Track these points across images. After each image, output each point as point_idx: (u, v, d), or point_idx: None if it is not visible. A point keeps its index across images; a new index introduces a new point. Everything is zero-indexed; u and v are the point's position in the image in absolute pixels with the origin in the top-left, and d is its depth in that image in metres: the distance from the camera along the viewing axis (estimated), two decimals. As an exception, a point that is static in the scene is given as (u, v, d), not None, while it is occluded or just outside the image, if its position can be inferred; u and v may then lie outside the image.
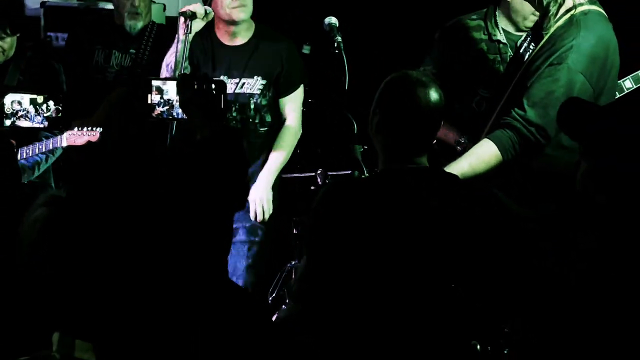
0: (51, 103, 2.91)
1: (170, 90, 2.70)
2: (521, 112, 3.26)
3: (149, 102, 2.66)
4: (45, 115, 2.90)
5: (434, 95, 2.62)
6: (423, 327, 2.34)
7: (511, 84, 3.39)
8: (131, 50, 4.57)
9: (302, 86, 4.39)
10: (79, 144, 3.81)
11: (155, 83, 2.70)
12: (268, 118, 4.32)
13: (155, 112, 2.68)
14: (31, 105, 2.91)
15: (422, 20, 4.86)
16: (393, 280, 2.35)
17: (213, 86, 2.58)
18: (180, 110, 2.65)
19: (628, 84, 4.23)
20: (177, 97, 2.65)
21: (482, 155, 3.23)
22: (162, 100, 2.70)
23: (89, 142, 2.89)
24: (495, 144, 3.24)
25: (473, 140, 3.43)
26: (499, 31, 3.57)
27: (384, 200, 2.46)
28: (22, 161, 4.05)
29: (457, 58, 3.63)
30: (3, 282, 2.08)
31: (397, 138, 2.58)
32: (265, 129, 4.31)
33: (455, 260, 2.44)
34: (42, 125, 2.91)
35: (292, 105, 4.36)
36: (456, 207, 2.49)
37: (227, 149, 2.26)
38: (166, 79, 2.80)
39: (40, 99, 2.92)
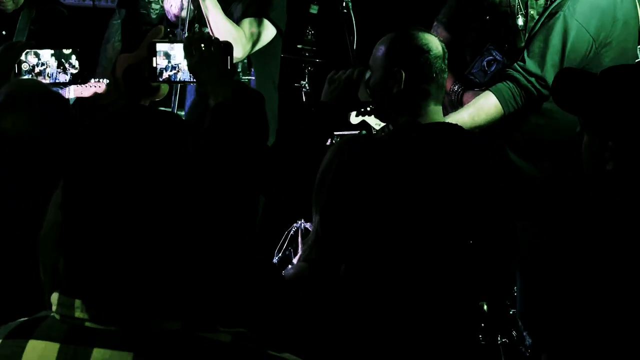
0: (74, 57, 2.78)
1: (178, 54, 2.64)
2: (521, 62, 3.24)
3: (154, 65, 2.61)
4: (71, 71, 2.75)
5: (435, 39, 2.63)
6: (436, 288, 2.34)
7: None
8: None
9: (267, 23, 3.68)
10: (86, 95, 3.65)
11: (161, 47, 2.63)
12: (247, 67, 4.15)
13: (163, 77, 2.63)
14: (53, 59, 2.76)
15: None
16: (410, 237, 2.33)
17: (220, 47, 2.54)
18: (187, 74, 2.61)
19: None
20: (184, 61, 2.60)
21: (483, 106, 3.21)
22: (169, 65, 2.65)
23: (95, 93, 2.78)
24: (496, 96, 3.22)
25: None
26: None
27: (400, 158, 2.42)
28: None
29: (470, 12, 3.60)
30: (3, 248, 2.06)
31: (420, 89, 2.58)
32: (247, 78, 4.15)
33: (471, 220, 2.43)
34: (65, 81, 2.78)
35: (247, 31, 3.69)
36: (471, 164, 2.48)
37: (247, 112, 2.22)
38: (173, 41, 2.74)
39: (66, 52, 2.77)
